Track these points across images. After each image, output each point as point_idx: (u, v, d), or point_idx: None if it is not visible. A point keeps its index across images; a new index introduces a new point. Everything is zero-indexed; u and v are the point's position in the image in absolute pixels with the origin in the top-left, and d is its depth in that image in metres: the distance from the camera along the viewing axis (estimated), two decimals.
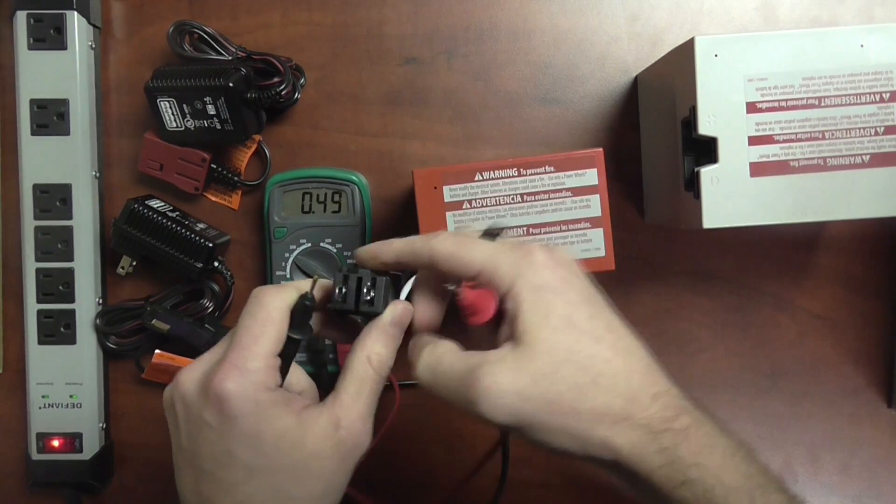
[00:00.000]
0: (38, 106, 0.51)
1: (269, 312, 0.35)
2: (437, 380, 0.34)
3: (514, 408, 0.32)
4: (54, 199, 0.51)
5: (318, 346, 0.52)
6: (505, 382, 0.32)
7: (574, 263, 0.36)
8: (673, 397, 0.34)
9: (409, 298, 0.38)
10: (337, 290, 0.37)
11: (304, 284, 0.36)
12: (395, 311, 0.37)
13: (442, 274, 0.36)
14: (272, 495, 0.34)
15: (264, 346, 0.34)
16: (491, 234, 0.37)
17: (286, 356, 0.35)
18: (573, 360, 0.32)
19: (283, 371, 0.35)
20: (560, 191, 0.43)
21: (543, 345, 0.32)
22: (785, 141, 0.42)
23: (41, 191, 0.51)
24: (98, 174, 0.53)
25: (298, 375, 0.38)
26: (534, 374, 0.32)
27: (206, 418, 0.33)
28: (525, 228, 0.43)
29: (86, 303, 0.52)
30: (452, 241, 0.35)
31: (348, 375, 0.36)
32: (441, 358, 0.34)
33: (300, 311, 0.35)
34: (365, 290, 0.37)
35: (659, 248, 0.54)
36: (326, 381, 0.52)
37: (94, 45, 0.52)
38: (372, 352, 0.36)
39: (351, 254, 0.39)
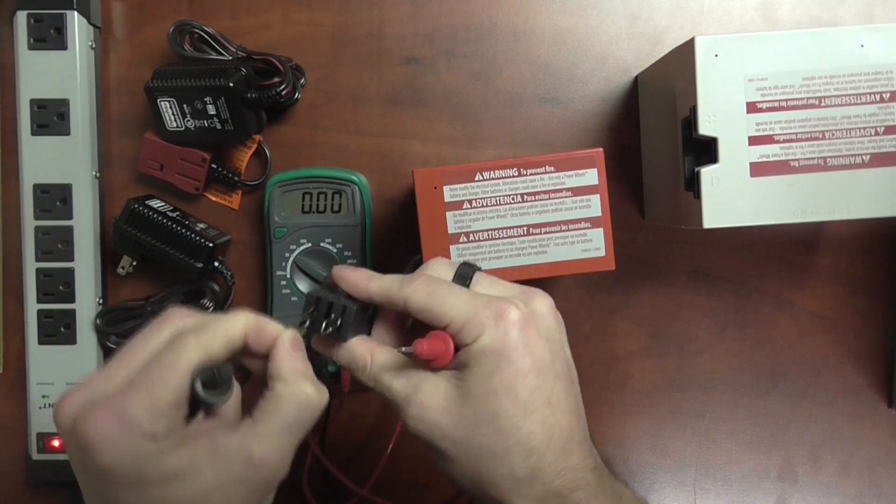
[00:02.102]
0: (39, 106, 0.51)
1: (179, 364, 0.32)
2: (381, 383, 0.36)
3: (432, 435, 0.35)
4: (54, 199, 0.51)
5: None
6: (432, 413, 0.35)
7: (549, 323, 0.36)
8: (581, 471, 0.35)
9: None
10: (304, 315, 0.37)
11: (233, 329, 0.34)
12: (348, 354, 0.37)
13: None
14: None
15: (159, 396, 0.31)
16: (464, 276, 0.37)
17: (198, 404, 0.33)
18: (495, 425, 0.34)
19: (194, 410, 0.33)
20: (560, 191, 0.43)
21: (475, 400, 0.34)
22: (785, 141, 0.42)
23: (41, 191, 0.51)
24: (98, 174, 0.53)
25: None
26: (457, 420, 0.34)
27: (76, 459, 0.32)
28: (525, 228, 0.43)
29: (86, 303, 0.52)
30: (426, 293, 0.35)
31: (276, 407, 0.33)
32: (391, 366, 0.36)
33: (215, 377, 0.33)
34: (333, 317, 0.37)
35: (659, 248, 0.54)
36: (328, 380, 0.51)
37: (94, 45, 0.52)
38: (301, 380, 0.34)
39: (330, 272, 0.39)
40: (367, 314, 0.39)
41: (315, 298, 0.37)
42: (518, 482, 0.34)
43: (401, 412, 0.35)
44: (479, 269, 0.38)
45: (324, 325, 0.37)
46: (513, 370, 0.34)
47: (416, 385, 0.35)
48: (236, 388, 0.36)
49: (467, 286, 0.37)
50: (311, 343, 0.38)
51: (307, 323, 0.37)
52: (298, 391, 0.34)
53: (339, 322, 0.37)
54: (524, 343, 0.34)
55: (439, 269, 0.38)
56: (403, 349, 0.35)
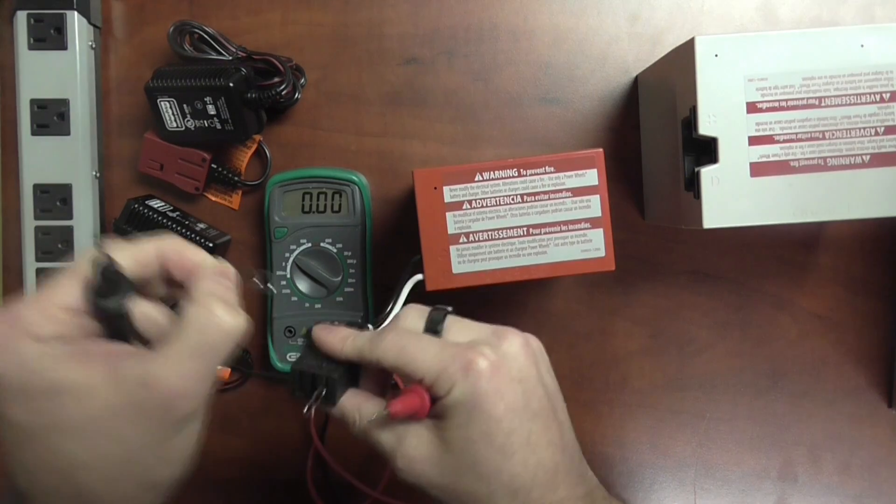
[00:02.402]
0: (39, 106, 0.51)
1: (76, 268, 0.32)
2: (370, 437, 0.37)
3: (421, 485, 0.36)
4: (54, 199, 0.51)
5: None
6: (417, 465, 0.36)
7: (521, 363, 0.37)
8: (569, 502, 0.36)
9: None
10: (294, 383, 0.39)
11: (146, 246, 0.33)
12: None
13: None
14: (53, 459, 0.30)
15: (49, 297, 0.31)
16: (435, 323, 0.38)
17: (111, 325, 0.32)
18: (476, 472, 0.35)
19: (112, 333, 0.32)
20: (560, 191, 0.43)
21: (455, 450, 0.35)
22: (785, 141, 0.42)
23: (41, 191, 0.51)
24: (98, 174, 0.53)
25: (150, 313, 0.33)
26: (441, 469, 0.36)
27: None
28: (525, 228, 0.43)
29: None
30: (396, 351, 0.37)
31: (182, 329, 0.31)
32: (377, 420, 0.37)
33: (104, 281, 0.31)
34: (320, 387, 0.38)
35: (659, 248, 0.54)
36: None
37: (94, 45, 0.52)
38: (216, 302, 0.32)
39: (310, 331, 0.40)
40: (352, 369, 0.40)
41: (298, 373, 0.39)
42: None
43: (390, 463, 0.37)
44: (450, 313, 0.39)
45: (314, 396, 0.38)
46: (486, 418, 0.35)
47: (400, 438, 0.36)
48: (164, 315, 0.34)
49: (438, 332, 0.38)
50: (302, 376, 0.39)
51: (297, 390, 0.39)
52: (208, 313, 0.31)
53: (324, 391, 0.38)
54: (494, 390, 0.35)
55: (411, 319, 0.39)
56: (375, 416, 0.36)
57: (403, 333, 0.37)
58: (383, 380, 0.41)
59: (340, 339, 0.39)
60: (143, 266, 0.33)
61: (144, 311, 0.33)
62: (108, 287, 0.32)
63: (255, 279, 0.37)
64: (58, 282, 0.32)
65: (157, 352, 0.31)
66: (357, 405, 0.38)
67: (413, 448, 0.36)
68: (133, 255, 0.33)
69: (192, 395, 0.31)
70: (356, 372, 0.40)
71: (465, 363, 0.35)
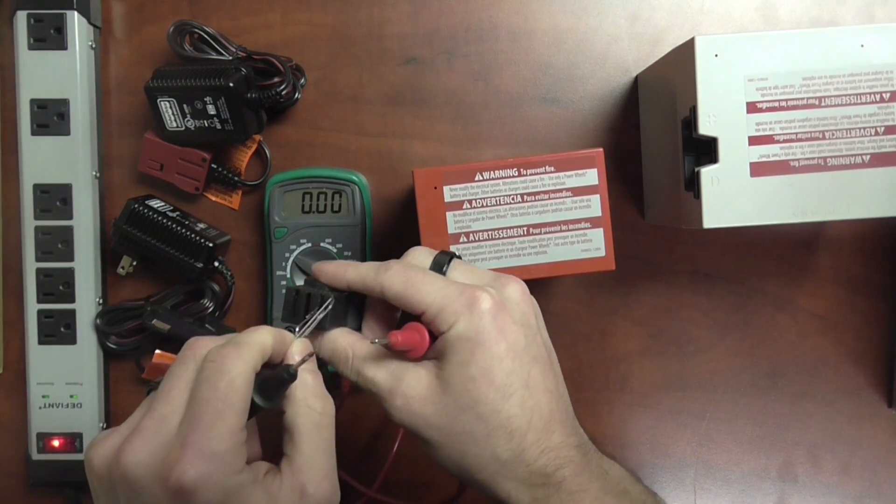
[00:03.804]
0: (39, 106, 0.51)
1: (233, 381, 0.31)
2: (363, 375, 0.37)
3: (417, 425, 0.35)
4: (54, 199, 0.51)
5: None
6: (415, 403, 0.35)
7: (523, 308, 0.37)
8: (564, 449, 0.36)
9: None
10: (284, 308, 0.38)
11: (264, 341, 0.34)
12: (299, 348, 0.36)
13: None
14: None
15: (230, 423, 0.31)
16: (440, 263, 0.38)
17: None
18: (475, 410, 0.35)
19: (271, 400, 0.33)
20: (560, 191, 0.43)
21: (455, 388, 0.35)
22: (785, 141, 0.42)
23: (41, 191, 0.51)
24: (98, 174, 0.53)
25: (250, 438, 0.35)
26: (439, 409, 0.35)
27: None
28: (525, 228, 0.43)
29: (86, 303, 0.52)
30: (402, 280, 0.36)
31: (297, 433, 0.34)
32: (372, 358, 0.36)
33: (277, 383, 0.33)
34: (315, 309, 0.37)
35: (659, 248, 0.54)
36: (328, 380, 0.51)
37: (94, 45, 0.52)
38: (309, 398, 0.34)
39: (312, 268, 0.39)
40: (354, 306, 0.39)
41: (294, 291, 0.38)
42: (502, 464, 0.35)
43: (385, 404, 0.36)
44: (457, 257, 0.39)
45: (305, 317, 0.37)
46: (488, 356, 0.35)
47: (398, 376, 0.36)
48: (254, 424, 0.36)
49: (443, 273, 0.38)
50: None
51: (287, 318, 0.38)
52: (311, 410, 0.34)
53: (323, 310, 0.37)
54: (498, 329, 0.35)
55: (418, 257, 0.39)
56: (378, 340, 0.35)
57: (409, 267, 0.37)
58: (387, 320, 0.39)
59: (343, 266, 0.38)
60: (266, 361, 0.34)
61: None
62: (277, 390, 0.33)
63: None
64: (233, 402, 0.31)
65: (293, 464, 0.33)
66: (350, 343, 0.37)
67: (411, 387, 0.35)
68: (261, 352, 0.33)
69: (337, 486, 0.34)
70: (359, 313, 0.39)
71: (470, 299, 0.35)
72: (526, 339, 0.36)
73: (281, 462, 0.34)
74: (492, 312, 0.35)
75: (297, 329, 0.37)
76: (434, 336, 0.36)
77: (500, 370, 0.35)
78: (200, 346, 0.33)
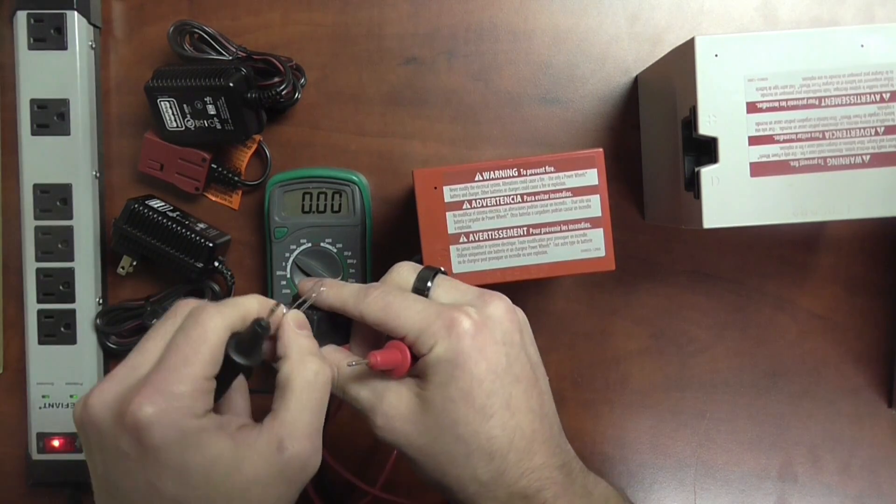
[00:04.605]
0: (39, 106, 0.51)
1: (205, 332, 0.32)
2: (348, 394, 0.37)
3: (398, 443, 0.36)
4: (54, 199, 0.51)
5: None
6: (396, 422, 0.36)
7: (506, 327, 0.37)
8: (546, 470, 0.36)
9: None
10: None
11: (248, 304, 0.35)
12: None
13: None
14: None
15: (194, 369, 0.31)
16: (424, 279, 0.38)
17: (224, 380, 0.33)
18: (455, 432, 0.35)
19: (219, 394, 0.34)
20: (560, 191, 0.43)
21: (435, 409, 0.35)
22: (785, 141, 0.42)
23: (41, 191, 0.51)
24: (98, 174, 0.53)
25: (235, 396, 0.36)
26: (420, 428, 0.35)
27: (123, 448, 0.31)
28: (525, 228, 0.43)
29: (86, 303, 0.52)
30: (381, 307, 0.36)
31: (286, 388, 0.34)
32: (356, 376, 0.37)
33: (251, 337, 0.33)
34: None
35: (659, 248, 0.54)
36: None
37: (94, 45, 0.52)
38: (305, 356, 0.35)
39: (297, 284, 0.40)
40: (340, 322, 0.39)
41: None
42: (482, 486, 0.35)
43: (368, 421, 0.36)
44: (441, 272, 0.39)
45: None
46: (468, 377, 0.35)
47: (380, 395, 0.36)
48: (244, 385, 0.36)
49: (426, 291, 0.38)
50: None
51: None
52: (305, 368, 0.34)
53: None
54: (477, 350, 0.35)
55: (402, 276, 0.39)
56: (355, 363, 0.36)
57: (390, 290, 0.37)
58: (374, 335, 0.40)
59: (329, 286, 0.38)
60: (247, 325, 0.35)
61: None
62: (253, 347, 0.33)
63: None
64: (197, 349, 0.32)
65: (276, 418, 0.33)
66: (336, 360, 0.37)
67: (392, 406, 0.36)
68: (244, 314, 0.34)
69: (318, 450, 0.34)
70: (346, 327, 0.40)
71: (449, 321, 0.35)
72: (508, 359, 0.36)
73: (266, 417, 0.34)
74: (471, 333, 0.35)
75: (290, 306, 0.37)
76: (416, 357, 0.36)
77: (480, 392, 0.35)
78: (186, 304, 0.34)
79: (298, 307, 0.37)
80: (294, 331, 0.35)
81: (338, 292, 0.38)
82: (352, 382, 0.37)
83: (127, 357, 0.33)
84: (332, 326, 0.39)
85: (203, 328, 0.32)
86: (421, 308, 0.36)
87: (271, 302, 0.36)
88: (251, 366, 0.33)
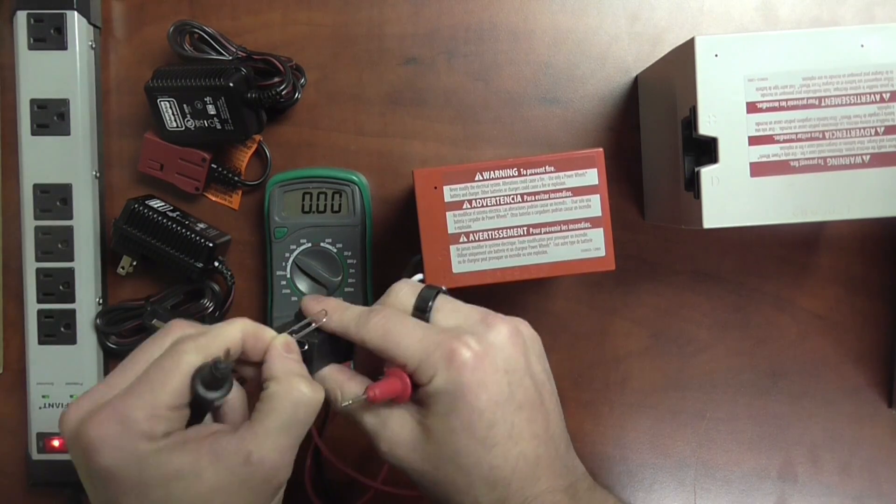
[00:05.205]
0: (39, 106, 0.51)
1: (178, 365, 0.33)
2: (352, 417, 0.37)
3: (402, 468, 0.36)
4: (54, 199, 0.51)
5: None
6: (399, 449, 0.36)
7: (508, 353, 0.36)
8: (549, 494, 0.36)
9: None
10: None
11: (230, 335, 0.35)
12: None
13: None
14: None
15: (158, 398, 0.32)
16: (424, 301, 0.38)
17: (199, 407, 0.34)
18: (457, 462, 0.35)
19: (197, 416, 0.34)
20: (560, 191, 0.43)
21: (437, 438, 0.35)
22: (785, 141, 0.42)
23: (41, 191, 0.51)
24: (98, 174, 0.53)
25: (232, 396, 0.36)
26: (422, 456, 0.36)
27: (80, 464, 0.32)
28: (525, 228, 0.43)
29: (86, 303, 0.52)
30: (381, 334, 0.36)
31: (269, 405, 0.34)
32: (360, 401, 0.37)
33: (210, 375, 0.33)
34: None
35: (659, 248, 0.54)
36: None
37: (94, 45, 0.52)
38: (293, 378, 0.35)
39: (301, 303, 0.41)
40: (342, 346, 0.39)
41: (287, 327, 0.38)
42: None
43: (373, 445, 0.37)
44: (442, 292, 0.39)
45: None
46: (468, 409, 0.34)
47: (383, 422, 0.36)
48: (241, 393, 0.37)
49: (427, 313, 0.37)
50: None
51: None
52: (292, 388, 0.34)
53: (312, 348, 0.38)
54: (477, 382, 0.35)
55: (402, 297, 0.38)
56: (351, 401, 0.36)
57: (390, 315, 0.37)
58: (376, 360, 0.40)
59: (332, 309, 0.38)
60: (232, 353, 0.35)
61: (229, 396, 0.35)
62: (217, 383, 0.33)
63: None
64: (164, 380, 0.32)
65: (250, 429, 0.33)
66: (340, 383, 0.37)
67: (395, 433, 0.36)
68: (223, 344, 0.35)
69: (287, 465, 0.34)
70: (348, 350, 0.40)
71: (448, 352, 0.35)
72: (510, 388, 0.36)
73: (243, 425, 0.34)
74: (471, 365, 0.35)
75: (290, 326, 0.37)
76: (416, 385, 0.36)
77: (480, 423, 0.35)
78: (178, 327, 0.35)
79: (297, 332, 0.37)
80: (282, 355, 0.36)
81: (340, 317, 0.38)
82: (354, 408, 0.37)
83: (110, 373, 0.34)
84: (335, 345, 0.39)
85: (176, 361, 0.33)
86: (420, 336, 0.36)
87: (263, 330, 0.36)
88: (214, 400, 0.34)
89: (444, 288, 0.39)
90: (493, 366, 0.35)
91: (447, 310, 0.38)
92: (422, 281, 0.42)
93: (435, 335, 0.36)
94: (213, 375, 0.33)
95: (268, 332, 0.36)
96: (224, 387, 0.34)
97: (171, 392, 0.32)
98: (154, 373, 0.33)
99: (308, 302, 0.39)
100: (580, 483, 0.37)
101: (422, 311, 0.38)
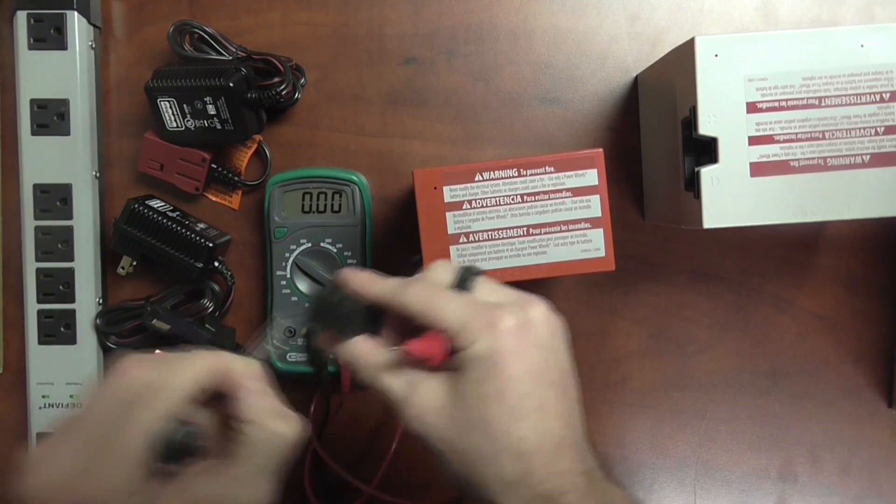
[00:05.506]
0: (39, 106, 0.51)
1: (137, 437, 0.32)
2: (380, 382, 0.37)
3: (428, 435, 0.35)
4: (54, 199, 0.51)
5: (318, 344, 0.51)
6: (428, 415, 0.35)
7: (545, 331, 0.36)
8: (570, 475, 0.36)
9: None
10: (311, 311, 0.39)
11: (193, 376, 0.34)
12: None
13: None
14: None
15: (114, 479, 0.32)
16: (464, 281, 0.38)
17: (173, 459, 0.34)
18: (485, 429, 0.35)
19: (171, 463, 0.34)
20: (560, 191, 0.43)
21: (468, 404, 0.35)
22: (785, 141, 0.42)
23: (41, 191, 0.51)
24: (98, 174, 0.53)
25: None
26: (450, 423, 0.35)
27: None
28: (525, 229, 0.43)
29: (86, 303, 0.52)
30: (423, 299, 0.36)
31: (245, 448, 0.34)
32: (389, 365, 0.36)
33: (175, 448, 0.33)
34: (337, 315, 0.38)
35: (659, 248, 0.54)
36: (327, 381, 0.52)
37: (94, 45, 0.52)
38: (267, 418, 0.34)
39: (334, 276, 0.40)
40: (373, 314, 0.39)
41: (320, 297, 0.38)
42: (507, 485, 0.35)
43: (399, 411, 0.36)
44: (482, 273, 0.39)
45: (329, 322, 0.38)
46: (504, 377, 0.34)
47: (413, 386, 0.36)
48: (212, 421, 0.36)
49: (469, 289, 0.37)
50: (311, 342, 0.38)
51: (312, 321, 0.38)
52: (268, 433, 0.34)
53: (342, 320, 0.37)
54: (516, 351, 0.35)
55: (441, 273, 0.38)
56: (394, 348, 0.35)
57: (432, 285, 0.37)
58: (406, 327, 0.39)
59: (369, 279, 0.38)
60: (202, 391, 0.34)
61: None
62: (179, 454, 0.33)
63: (254, 353, 0.37)
64: (119, 457, 0.32)
65: (226, 472, 0.33)
66: (369, 350, 0.37)
67: (425, 398, 0.35)
68: (196, 380, 0.34)
69: (269, 499, 0.34)
70: (378, 319, 0.39)
71: (492, 319, 0.35)
72: (545, 363, 0.36)
73: (219, 468, 0.34)
74: (513, 333, 0.35)
75: (325, 326, 0.37)
76: (454, 351, 0.36)
77: (514, 392, 0.35)
78: (131, 371, 0.34)
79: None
80: (254, 391, 0.35)
81: (381, 285, 0.38)
82: (384, 373, 0.36)
83: (63, 425, 0.33)
84: (367, 316, 0.39)
85: (133, 433, 0.32)
86: (464, 303, 0.36)
87: (230, 360, 0.35)
88: (179, 465, 0.33)
89: (483, 270, 0.39)
90: (532, 340, 0.36)
91: (487, 288, 0.38)
92: None
93: (478, 303, 0.36)
94: (174, 448, 0.33)
95: (234, 364, 0.35)
96: (189, 455, 0.34)
97: (126, 469, 0.32)
98: (108, 451, 0.32)
99: (348, 273, 0.39)
100: (596, 472, 0.37)
101: (463, 285, 0.38)
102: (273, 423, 0.34)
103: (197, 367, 0.34)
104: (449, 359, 0.36)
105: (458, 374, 0.35)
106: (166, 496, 0.32)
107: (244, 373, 0.35)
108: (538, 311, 0.37)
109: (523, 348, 0.35)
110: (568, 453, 0.36)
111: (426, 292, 0.36)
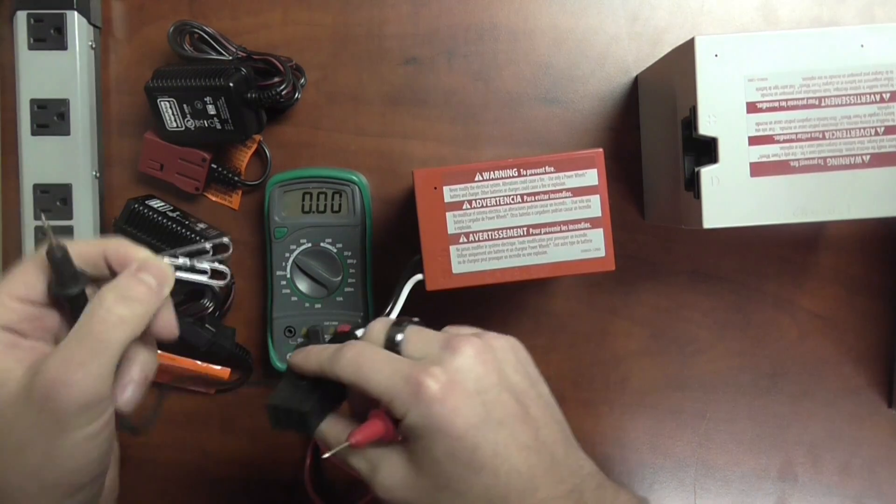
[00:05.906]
0: (39, 106, 0.51)
1: (35, 257, 0.33)
2: (348, 464, 0.37)
3: None
4: (54, 199, 0.51)
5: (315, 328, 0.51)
6: (396, 491, 0.36)
7: (477, 373, 0.36)
8: (549, 501, 0.35)
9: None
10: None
11: (98, 244, 0.34)
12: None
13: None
14: None
15: (5, 286, 0.32)
16: (394, 333, 0.38)
17: (73, 309, 0.33)
18: (451, 489, 0.35)
19: (69, 324, 0.33)
20: (560, 191, 0.43)
21: (427, 471, 0.35)
22: (785, 141, 0.42)
23: (41, 191, 0.51)
24: (98, 174, 0.53)
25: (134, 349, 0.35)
26: (418, 492, 0.35)
27: None
28: (525, 229, 0.43)
29: None
30: (353, 369, 0.36)
31: (80, 319, 0.32)
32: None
33: (55, 266, 0.32)
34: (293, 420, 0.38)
35: (659, 248, 0.54)
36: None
37: (94, 45, 0.52)
38: (114, 301, 0.32)
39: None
40: (332, 390, 0.39)
41: (273, 408, 0.38)
42: None
43: (370, 489, 0.37)
44: (413, 323, 0.39)
45: (290, 423, 0.38)
46: (448, 439, 0.34)
47: (374, 465, 0.36)
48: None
49: (398, 344, 0.37)
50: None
51: (275, 427, 0.39)
52: (97, 305, 0.32)
53: (299, 422, 0.38)
54: (449, 410, 0.34)
55: (375, 332, 0.39)
56: (334, 451, 0.36)
57: (363, 349, 0.37)
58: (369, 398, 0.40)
59: (303, 356, 0.39)
60: (90, 263, 0.34)
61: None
62: (66, 276, 0.33)
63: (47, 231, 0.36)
64: (16, 272, 0.33)
65: (62, 347, 0.31)
66: (335, 434, 0.38)
67: (387, 475, 0.36)
68: (79, 251, 0.34)
69: (76, 386, 0.30)
70: (342, 391, 0.40)
71: (415, 387, 0.35)
72: (485, 409, 0.35)
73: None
74: (438, 397, 0.34)
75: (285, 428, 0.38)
76: (397, 420, 0.36)
77: (462, 449, 0.34)
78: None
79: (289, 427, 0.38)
80: (131, 270, 0.34)
81: (317, 356, 0.38)
82: (349, 455, 0.37)
83: None
84: (328, 386, 0.39)
85: (35, 255, 0.33)
86: (389, 371, 0.36)
87: (128, 246, 0.35)
88: (73, 296, 0.33)
89: (415, 319, 0.39)
90: (464, 391, 0.35)
91: (416, 340, 0.38)
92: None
93: (402, 369, 0.36)
94: (59, 268, 0.32)
95: (137, 252, 0.35)
96: (77, 283, 0.33)
97: (19, 282, 0.32)
98: (12, 270, 0.33)
99: (294, 355, 0.39)
100: (586, 483, 0.37)
101: (392, 343, 0.38)
102: (106, 300, 0.32)
103: (99, 240, 0.35)
104: (398, 428, 0.36)
105: (409, 443, 0.36)
106: (14, 363, 0.32)
107: (143, 259, 0.34)
108: (465, 357, 0.36)
109: (456, 405, 0.35)
110: (543, 481, 0.35)
111: (356, 360, 0.36)
